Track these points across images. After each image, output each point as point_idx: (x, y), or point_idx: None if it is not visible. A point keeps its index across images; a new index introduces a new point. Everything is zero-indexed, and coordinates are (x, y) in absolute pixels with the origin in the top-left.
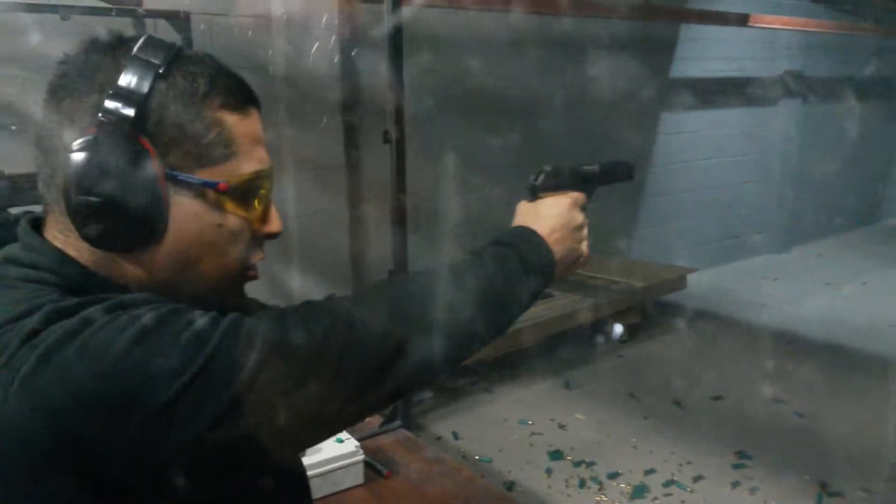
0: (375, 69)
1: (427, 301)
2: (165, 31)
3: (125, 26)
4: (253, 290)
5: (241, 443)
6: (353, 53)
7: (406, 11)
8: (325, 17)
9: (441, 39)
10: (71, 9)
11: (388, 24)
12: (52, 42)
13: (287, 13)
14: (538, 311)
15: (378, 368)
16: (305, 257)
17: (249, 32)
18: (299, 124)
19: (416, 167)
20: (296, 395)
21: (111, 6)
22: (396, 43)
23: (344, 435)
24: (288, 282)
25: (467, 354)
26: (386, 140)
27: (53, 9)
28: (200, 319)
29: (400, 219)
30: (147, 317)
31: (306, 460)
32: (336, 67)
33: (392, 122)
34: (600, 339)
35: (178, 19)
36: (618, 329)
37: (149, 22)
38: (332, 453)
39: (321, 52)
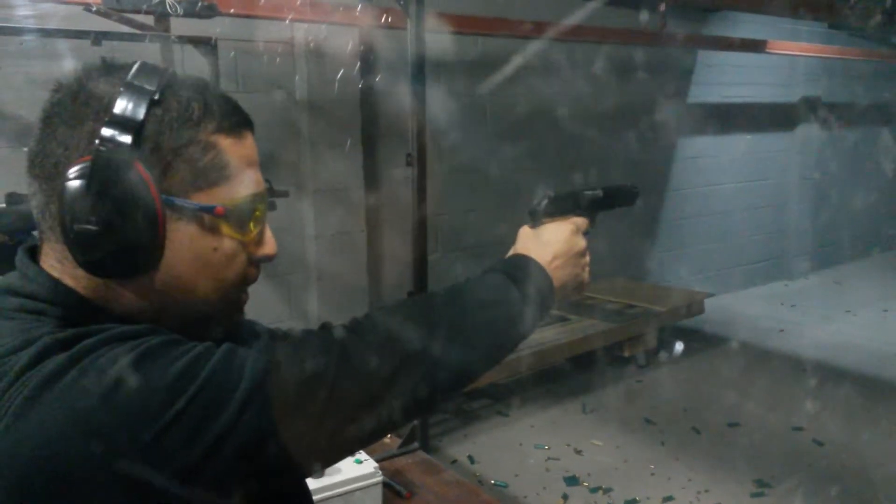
0: (398, 93)
1: (420, 330)
2: (193, 58)
3: (153, 52)
4: (273, 308)
5: (235, 472)
6: (376, 79)
7: (428, 37)
8: (349, 44)
9: (462, 63)
10: (104, 35)
11: (411, 50)
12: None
13: (313, 40)
14: (553, 335)
15: (371, 398)
16: (324, 278)
17: (277, 59)
18: (323, 147)
19: (435, 188)
20: (287, 426)
21: (143, 32)
22: (419, 67)
23: (363, 456)
24: (307, 302)
25: (464, 383)
26: (409, 163)
27: (86, 34)
28: (192, 351)
29: (420, 240)
30: (137, 351)
31: (325, 481)
32: (359, 92)
33: (414, 145)
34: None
35: (207, 45)
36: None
37: (176, 47)
38: (351, 474)
39: (346, 77)
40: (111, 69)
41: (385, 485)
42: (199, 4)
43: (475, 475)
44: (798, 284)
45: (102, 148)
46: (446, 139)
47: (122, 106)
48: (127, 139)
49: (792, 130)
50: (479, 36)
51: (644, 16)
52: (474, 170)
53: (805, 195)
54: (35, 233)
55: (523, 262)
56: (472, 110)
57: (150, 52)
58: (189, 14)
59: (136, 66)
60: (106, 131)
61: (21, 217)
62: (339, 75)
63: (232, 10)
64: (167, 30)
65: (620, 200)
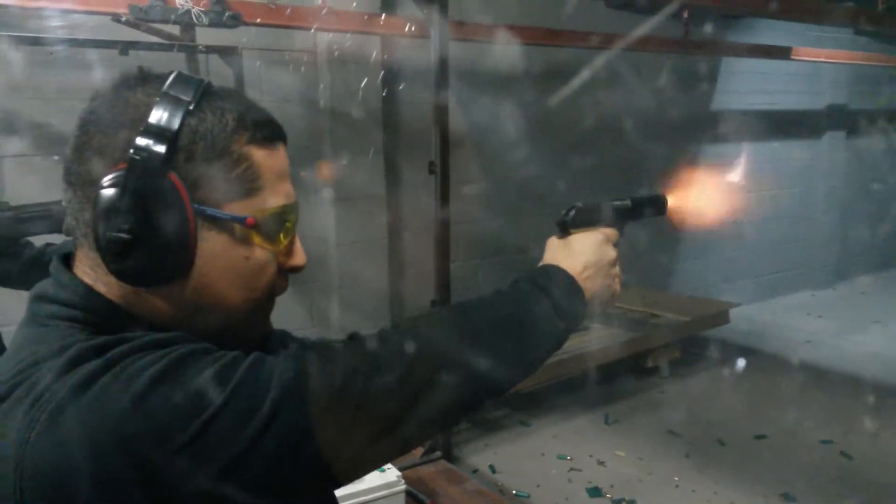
0: (421, 102)
1: (449, 342)
2: (218, 67)
3: (179, 62)
4: (294, 315)
5: (263, 481)
6: (400, 87)
7: (451, 46)
8: (373, 53)
9: (484, 72)
10: (131, 45)
11: (434, 58)
12: (111, 77)
13: (337, 49)
14: (577, 344)
15: (398, 410)
16: (346, 286)
17: (301, 68)
18: (346, 155)
19: (458, 197)
20: (316, 436)
21: (170, 42)
22: (442, 76)
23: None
24: (328, 309)
25: (494, 395)
26: (431, 171)
27: (113, 44)
28: (222, 359)
29: (443, 248)
30: (168, 358)
31: (349, 489)
32: (382, 101)
33: (437, 154)
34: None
35: (232, 55)
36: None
37: (201, 57)
38: (374, 482)
39: (369, 86)
40: (148, 79)
41: (408, 493)
42: (225, 14)
43: (497, 485)
44: (824, 295)
45: (137, 157)
46: (470, 148)
47: (157, 115)
48: (161, 149)
49: (819, 138)
50: (506, 45)
51: (702, 27)
52: (497, 179)
53: (830, 204)
54: (26, 240)
55: (553, 272)
56: (495, 119)
57: (176, 61)
58: (215, 24)
59: (172, 76)
60: (141, 140)
61: (4, 226)
62: (362, 84)
63: (257, 20)
64: (193, 40)
65: (649, 210)
